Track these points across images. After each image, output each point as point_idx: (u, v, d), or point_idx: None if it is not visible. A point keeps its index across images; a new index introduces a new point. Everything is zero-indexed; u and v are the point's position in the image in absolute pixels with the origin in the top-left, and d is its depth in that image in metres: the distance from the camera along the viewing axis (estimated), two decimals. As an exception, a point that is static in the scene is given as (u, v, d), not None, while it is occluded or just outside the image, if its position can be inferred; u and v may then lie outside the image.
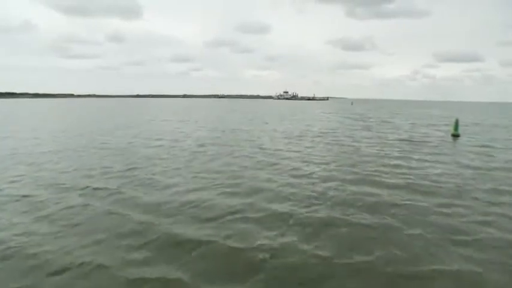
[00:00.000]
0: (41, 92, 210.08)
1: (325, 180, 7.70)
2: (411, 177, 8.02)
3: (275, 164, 9.47)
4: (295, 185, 7.25)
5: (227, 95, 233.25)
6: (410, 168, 8.99)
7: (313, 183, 7.41)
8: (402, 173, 8.37)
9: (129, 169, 8.69)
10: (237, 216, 5.44)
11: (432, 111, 52.76)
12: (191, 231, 4.84)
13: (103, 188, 6.98)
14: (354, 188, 7.02)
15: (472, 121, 28.29)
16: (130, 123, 23.64)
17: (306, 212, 5.63)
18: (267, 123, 24.98)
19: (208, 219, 5.28)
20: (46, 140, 14.37)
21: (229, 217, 5.39)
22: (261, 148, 12.37)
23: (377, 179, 7.80)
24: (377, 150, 12.11)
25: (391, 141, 14.50)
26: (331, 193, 6.70)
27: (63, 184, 7.23)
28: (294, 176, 8.05)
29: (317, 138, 15.49)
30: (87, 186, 7.03)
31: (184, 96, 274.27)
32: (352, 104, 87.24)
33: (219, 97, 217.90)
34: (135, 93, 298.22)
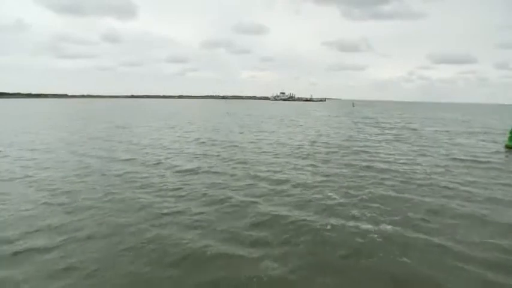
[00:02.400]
0: (34, 92, 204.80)
1: None
2: None
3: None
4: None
5: (223, 96, 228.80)
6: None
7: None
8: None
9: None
10: None
11: (445, 114, 48.69)
12: None
13: None
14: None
15: (503, 127, 24.23)
16: (109, 134, 19.28)
17: None
18: (270, 131, 20.66)
19: None
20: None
21: None
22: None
23: None
24: (451, 183, 8.04)
25: (450, 163, 10.42)
26: None
27: None
28: None
29: (349, 161, 10.89)
30: None
31: (180, 97, 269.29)
32: (353, 105, 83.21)
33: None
34: (130, 94, 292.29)
